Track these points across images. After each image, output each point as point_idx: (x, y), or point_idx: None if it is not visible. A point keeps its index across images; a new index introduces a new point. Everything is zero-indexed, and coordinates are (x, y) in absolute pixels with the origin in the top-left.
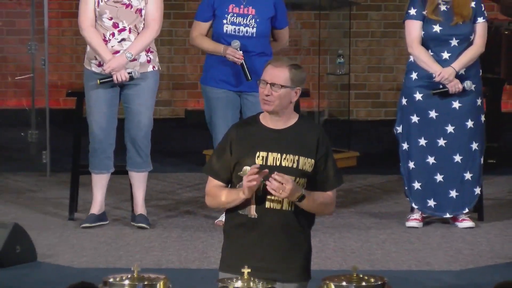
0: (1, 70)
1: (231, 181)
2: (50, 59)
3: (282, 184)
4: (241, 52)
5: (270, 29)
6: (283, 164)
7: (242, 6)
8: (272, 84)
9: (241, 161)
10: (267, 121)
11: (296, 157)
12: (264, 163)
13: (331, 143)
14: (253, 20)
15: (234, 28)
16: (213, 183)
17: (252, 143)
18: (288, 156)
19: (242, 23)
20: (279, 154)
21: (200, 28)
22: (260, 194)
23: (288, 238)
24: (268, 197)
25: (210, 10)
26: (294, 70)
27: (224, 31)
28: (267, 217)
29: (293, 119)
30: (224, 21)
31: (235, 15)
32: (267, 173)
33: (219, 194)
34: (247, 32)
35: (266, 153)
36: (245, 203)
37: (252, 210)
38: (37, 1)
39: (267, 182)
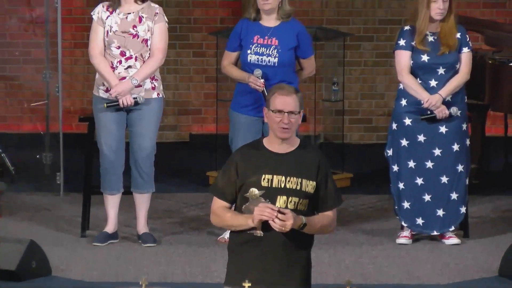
0: (18, 97)
1: (235, 201)
2: (63, 86)
3: (284, 221)
4: (262, 80)
5: (293, 59)
6: (287, 186)
7: (266, 37)
8: (290, 112)
9: (247, 183)
10: (272, 145)
11: (299, 180)
12: (269, 185)
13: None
14: (276, 50)
15: (257, 58)
16: (219, 204)
17: (257, 166)
18: (291, 178)
19: (265, 53)
20: (283, 177)
21: (229, 57)
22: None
23: (289, 254)
24: None
25: (237, 40)
26: (299, 95)
27: (248, 60)
28: (271, 235)
29: (296, 143)
30: (249, 51)
31: (259, 45)
32: (277, 210)
33: (225, 215)
34: (269, 61)
35: (271, 175)
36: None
37: (258, 229)
38: (51, 32)
39: (270, 222)
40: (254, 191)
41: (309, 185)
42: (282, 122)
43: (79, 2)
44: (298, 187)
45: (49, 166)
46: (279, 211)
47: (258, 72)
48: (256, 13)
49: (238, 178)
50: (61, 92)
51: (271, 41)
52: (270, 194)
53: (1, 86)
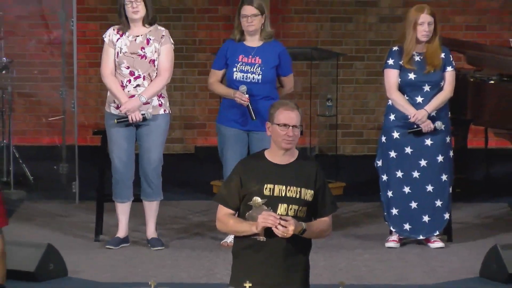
0: (36, 112)
1: (239, 208)
2: (78, 102)
3: (286, 227)
4: (247, 96)
5: (274, 76)
6: (288, 194)
7: (250, 56)
8: (294, 126)
9: (250, 192)
10: (273, 157)
11: (299, 189)
12: (271, 194)
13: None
14: (259, 68)
15: (242, 75)
16: (224, 211)
17: (260, 176)
18: (291, 187)
19: (249, 71)
20: (284, 186)
21: (216, 75)
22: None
23: (290, 258)
24: None
25: (223, 59)
26: (299, 110)
27: (234, 77)
28: (273, 241)
29: (295, 155)
30: (234, 69)
31: (243, 64)
32: (279, 218)
33: (230, 222)
34: (253, 78)
35: (272, 185)
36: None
37: (261, 235)
38: (67, 52)
39: (273, 229)
40: (257, 199)
41: (308, 194)
42: (287, 135)
43: (93, 25)
44: (298, 196)
45: (65, 176)
46: (281, 219)
47: (243, 88)
48: (240, 35)
49: (242, 187)
50: (76, 108)
51: (255, 60)
52: (272, 202)
53: (21, 102)
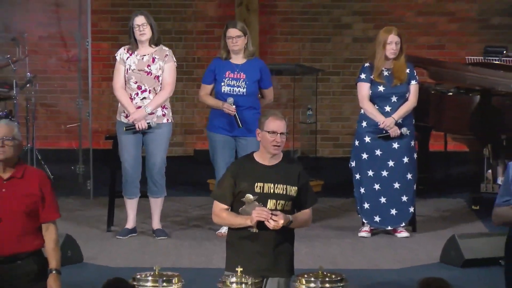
0: (56, 120)
1: (233, 204)
2: (92, 111)
3: (277, 221)
4: (234, 106)
5: (257, 89)
6: (276, 191)
7: (236, 72)
8: (282, 133)
9: (243, 190)
10: (262, 159)
11: (285, 186)
12: (261, 191)
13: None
14: (244, 82)
15: (229, 89)
16: (219, 207)
17: (251, 176)
18: (279, 185)
19: (235, 85)
20: (272, 184)
21: (205, 89)
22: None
23: (278, 246)
24: None
25: (212, 76)
26: (285, 119)
27: (222, 91)
28: (264, 232)
29: (280, 157)
30: (222, 83)
31: (230, 79)
32: (270, 213)
33: (225, 216)
34: (239, 91)
35: (262, 183)
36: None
37: (254, 227)
38: (83, 68)
39: (266, 222)
40: (250, 196)
41: (292, 190)
42: (275, 141)
43: (105, 45)
44: (284, 192)
45: (81, 176)
46: (272, 213)
47: (230, 100)
48: (227, 53)
49: (236, 186)
50: (90, 116)
51: (240, 75)
52: (262, 198)
53: (43, 111)
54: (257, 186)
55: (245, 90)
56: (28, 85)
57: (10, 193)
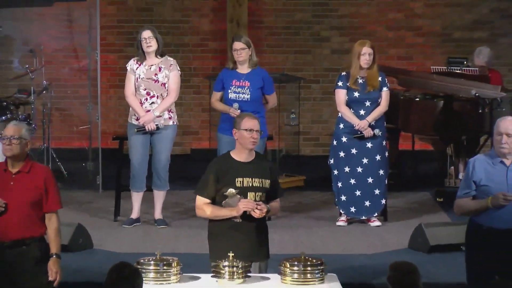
0: (69, 122)
1: (215, 198)
2: (101, 115)
3: (262, 210)
4: (239, 111)
5: (260, 95)
6: (254, 185)
7: (241, 80)
8: (257, 130)
9: (226, 185)
10: (239, 156)
11: (261, 180)
12: (242, 185)
13: (287, 171)
14: (248, 90)
15: (235, 95)
16: (203, 201)
17: (231, 172)
18: (256, 179)
19: (240, 92)
20: (250, 179)
21: (216, 96)
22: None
23: (258, 234)
24: None
25: (221, 84)
26: (259, 120)
27: (229, 97)
28: (246, 222)
29: (254, 154)
30: (229, 91)
31: (236, 87)
32: (255, 203)
33: (210, 209)
34: (244, 97)
35: (242, 178)
36: None
37: (238, 217)
38: (93, 77)
39: (252, 212)
40: (232, 190)
41: (267, 183)
42: (252, 137)
43: (112, 56)
44: (261, 185)
45: (91, 172)
46: (257, 204)
47: (235, 105)
48: (233, 64)
49: (219, 181)
50: (99, 119)
51: (244, 83)
52: (243, 192)
53: (57, 115)
54: (237, 181)
55: (249, 96)
56: (44, 92)
57: (18, 185)
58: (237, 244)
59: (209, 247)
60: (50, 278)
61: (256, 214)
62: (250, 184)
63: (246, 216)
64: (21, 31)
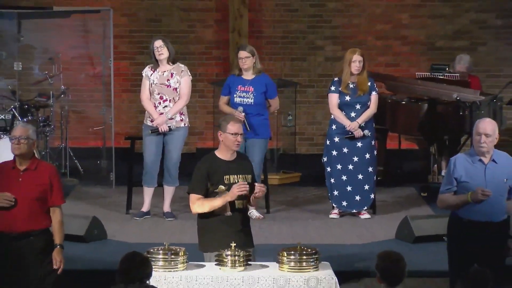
0: (85, 124)
1: (207, 195)
2: (114, 117)
3: (262, 188)
4: (243, 114)
5: (263, 99)
6: (239, 180)
7: (246, 86)
8: (240, 134)
9: (215, 182)
10: (224, 156)
11: (244, 175)
12: (229, 182)
13: (285, 168)
14: (252, 94)
15: (240, 100)
16: (197, 197)
17: (219, 170)
18: (240, 175)
19: (245, 97)
20: (236, 175)
21: (223, 99)
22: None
23: (244, 226)
24: (236, 201)
25: (227, 89)
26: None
27: (235, 101)
28: (235, 214)
29: (235, 153)
30: (235, 95)
31: (241, 91)
32: (246, 184)
33: (206, 203)
34: (248, 101)
35: (229, 175)
36: (223, 208)
37: (228, 211)
38: (106, 82)
39: (258, 193)
40: (222, 187)
41: (249, 178)
42: (237, 140)
43: (124, 63)
44: (245, 180)
45: (105, 169)
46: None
47: (240, 108)
48: (239, 71)
49: (209, 178)
50: (113, 121)
51: (249, 89)
52: (231, 187)
53: (74, 117)
54: (226, 178)
55: (252, 100)
56: (62, 96)
57: (25, 182)
58: (227, 235)
59: (201, 240)
60: (54, 266)
61: (260, 194)
62: (236, 180)
63: (235, 209)
64: (41, 40)
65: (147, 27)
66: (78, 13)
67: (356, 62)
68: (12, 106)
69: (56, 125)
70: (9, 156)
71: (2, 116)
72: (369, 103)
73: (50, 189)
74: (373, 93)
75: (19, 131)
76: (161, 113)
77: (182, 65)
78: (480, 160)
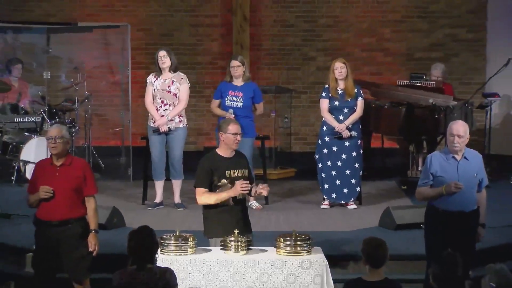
0: (106, 125)
1: (211, 189)
2: (131, 119)
3: (265, 187)
4: (233, 116)
5: (251, 103)
6: (239, 175)
7: (236, 91)
8: (240, 134)
9: (219, 178)
10: (224, 153)
11: (243, 170)
12: (231, 176)
13: (281, 164)
14: (241, 99)
15: (231, 103)
16: (203, 191)
17: (221, 166)
18: (239, 170)
19: (235, 100)
20: (235, 170)
21: (214, 103)
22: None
23: (244, 215)
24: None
25: (219, 94)
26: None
27: (226, 104)
28: (236, 205)
29: (233, 151)
30: (226, 99)
31: (232, 96)
32: (248, 183)
33: (213, 196)
34: (237, 105)
35: (229, 170)
36: (226, 200)
37: (231, 201)
38: (125, 88)
39: (261, 191)
40: (225, 181)
41: (246, 172)
42: (237, 139)
43: (141, 72)
44: (243, 174)
45: (123, 165)
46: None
47: (230, 111)
48: (230, 77)
49: (213, 174)
50: (130, 123)
51: (238, 94)
52: (232, 181)
53: (96, 119)
54: (227, 173)
55: (241, 104)
56: (86, 101)
57: (62, 176)
58: (229, 223)
59: (206, 227)
60: (90, 249)
61: (265, 192)
62: (237, 175)
63: (236, 200)
64: (67, 52)
65: (160, 40)
66: (99, 28)
67: (338, 68)
68: (41, 110)
69: (81, 126)
70: (42, 154)
71: (33, 119)
72: (355, 107)
73: (84, 181)
74: (359, 98)
75: (54, 131)
76: (162, 115)
77: (182, 74)
78: (454, 157)
